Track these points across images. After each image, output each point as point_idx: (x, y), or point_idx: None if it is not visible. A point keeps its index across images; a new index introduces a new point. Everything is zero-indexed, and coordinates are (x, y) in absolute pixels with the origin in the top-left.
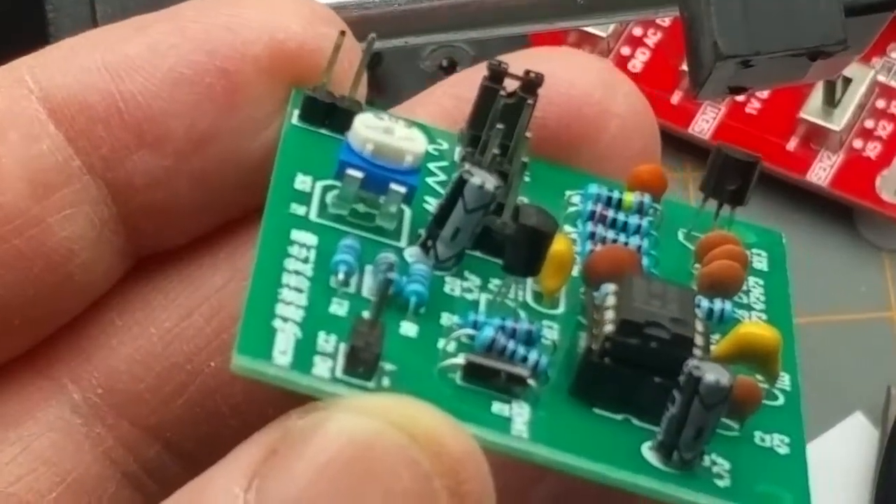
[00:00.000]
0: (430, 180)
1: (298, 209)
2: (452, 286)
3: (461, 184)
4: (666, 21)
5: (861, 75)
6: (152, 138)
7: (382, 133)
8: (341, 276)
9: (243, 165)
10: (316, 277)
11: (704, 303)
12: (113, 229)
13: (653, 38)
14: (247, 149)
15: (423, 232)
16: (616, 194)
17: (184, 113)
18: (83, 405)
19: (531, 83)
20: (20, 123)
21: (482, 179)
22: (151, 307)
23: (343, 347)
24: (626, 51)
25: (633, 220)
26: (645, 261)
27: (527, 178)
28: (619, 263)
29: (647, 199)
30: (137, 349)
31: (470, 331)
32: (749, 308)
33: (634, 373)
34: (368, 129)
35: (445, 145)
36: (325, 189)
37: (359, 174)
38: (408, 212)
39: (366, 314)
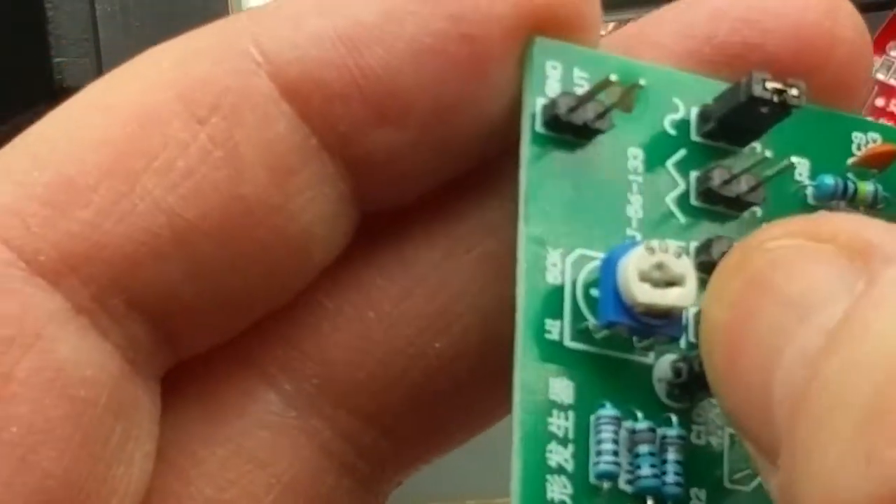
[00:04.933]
0: None
1: (553, 329)
2: (699, 430)
3: None
4: None
5: None
6: (395, 114)
7: (655, 272)
8: (605, 487)
9: (484, 128)
10: (576, 472)
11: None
12: (350, 202)
13: None
14: (492, 110)
15: (684, 372)
16: (851, 186)
17: (428, 86)
18: (297, 397)
19: (785, 104)
20: (254, 104)
21: None
22: (365, 287)
23: None
24: None
25: None
26: None
27: None
28: None
29: (880, 187)
30: (355, 335)
31: None
32: None
33: None
34: (643, 282)
35: (681, 110)
36: (576, 264)
37: (625, 328)
38: None
39: None
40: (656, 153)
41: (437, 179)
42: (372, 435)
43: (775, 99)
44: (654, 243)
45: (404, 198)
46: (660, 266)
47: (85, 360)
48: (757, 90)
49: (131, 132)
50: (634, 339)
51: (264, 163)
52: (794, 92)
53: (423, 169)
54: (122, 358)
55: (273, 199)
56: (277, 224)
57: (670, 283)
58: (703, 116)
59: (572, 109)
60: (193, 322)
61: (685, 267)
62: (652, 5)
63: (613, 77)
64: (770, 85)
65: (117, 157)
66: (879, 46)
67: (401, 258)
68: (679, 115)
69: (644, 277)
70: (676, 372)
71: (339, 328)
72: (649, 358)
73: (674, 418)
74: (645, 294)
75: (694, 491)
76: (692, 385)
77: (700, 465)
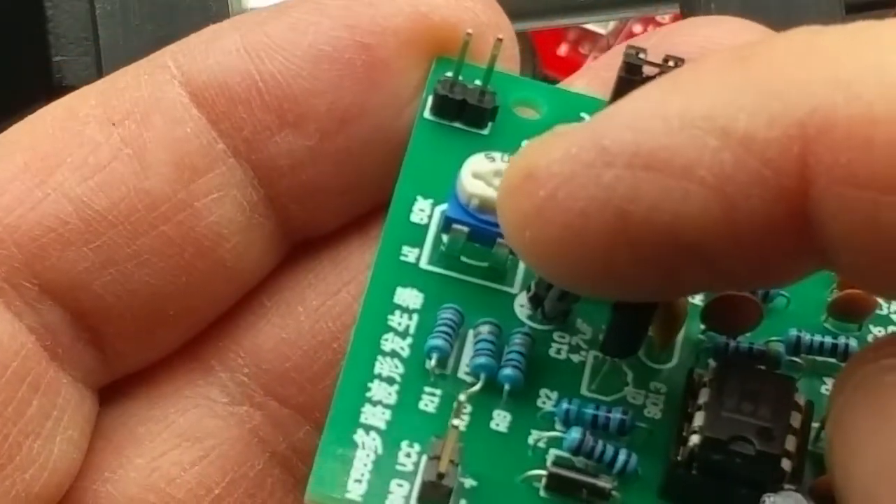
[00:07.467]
0: None
1: (410, 253)
2: (560, 347)
3: None
4: (666, 18)
5: None
6: (294, 117)
7: (493, 178)
8: (433, 363)
9: (389, 141)
10: (412, 357)
11: (828, 339)
12: (263, 213)
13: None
14: (392, 125)
15: (533, 285)
16: None
17: (325, 90)
18: (230, 385)
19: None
20: (163, 108)
21: None
22: (301, 287)
23: (424, 461)
24: None
25: None
26: (774, 302)
27: None
28: (739, 313)
29: None
30: (284, 328)
31: (559, 433)
32: (887, 322)
33: (721, 484)
34: (476, 179)
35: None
36: (443, 215)
37: (465, 229)
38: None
39: (438, 441)
40: None
41: (351, 201)
42: (304, 429)
43: (647, 70)
44: (495, 153)
45: (323, 219)
46: (499, 173)
47: None
48: (630, 58)
49: (52, 135)
50: (477, 245)
51: (169, 160)
52: (671, 63)
53: (332, 184)
54: (37, 342)
55: (178, 195)
56: (183, 220)
57: None
58: None
59: (452, 86)
60: (113, 323)
61: None
62: (651, 5)
63: (469, 30)
64: (643, 56)
65: (36, 154)
66: None
67: (337, 261)
68: None
69: (478, 177)
70: (528, 288)
71: (272, 323)
72: (514, 288)
73: (528, 324)
74: (475, 186)
75: (544, 391)
76: (540, 296)
77: (554, 374)
